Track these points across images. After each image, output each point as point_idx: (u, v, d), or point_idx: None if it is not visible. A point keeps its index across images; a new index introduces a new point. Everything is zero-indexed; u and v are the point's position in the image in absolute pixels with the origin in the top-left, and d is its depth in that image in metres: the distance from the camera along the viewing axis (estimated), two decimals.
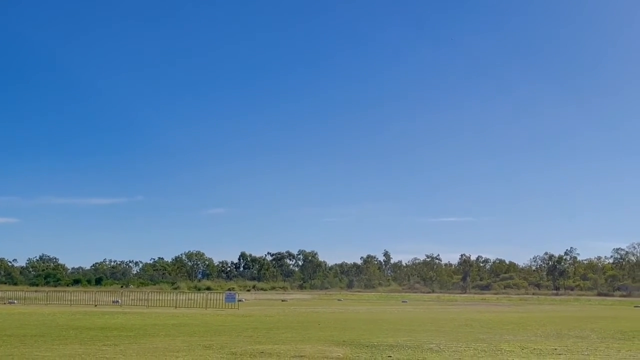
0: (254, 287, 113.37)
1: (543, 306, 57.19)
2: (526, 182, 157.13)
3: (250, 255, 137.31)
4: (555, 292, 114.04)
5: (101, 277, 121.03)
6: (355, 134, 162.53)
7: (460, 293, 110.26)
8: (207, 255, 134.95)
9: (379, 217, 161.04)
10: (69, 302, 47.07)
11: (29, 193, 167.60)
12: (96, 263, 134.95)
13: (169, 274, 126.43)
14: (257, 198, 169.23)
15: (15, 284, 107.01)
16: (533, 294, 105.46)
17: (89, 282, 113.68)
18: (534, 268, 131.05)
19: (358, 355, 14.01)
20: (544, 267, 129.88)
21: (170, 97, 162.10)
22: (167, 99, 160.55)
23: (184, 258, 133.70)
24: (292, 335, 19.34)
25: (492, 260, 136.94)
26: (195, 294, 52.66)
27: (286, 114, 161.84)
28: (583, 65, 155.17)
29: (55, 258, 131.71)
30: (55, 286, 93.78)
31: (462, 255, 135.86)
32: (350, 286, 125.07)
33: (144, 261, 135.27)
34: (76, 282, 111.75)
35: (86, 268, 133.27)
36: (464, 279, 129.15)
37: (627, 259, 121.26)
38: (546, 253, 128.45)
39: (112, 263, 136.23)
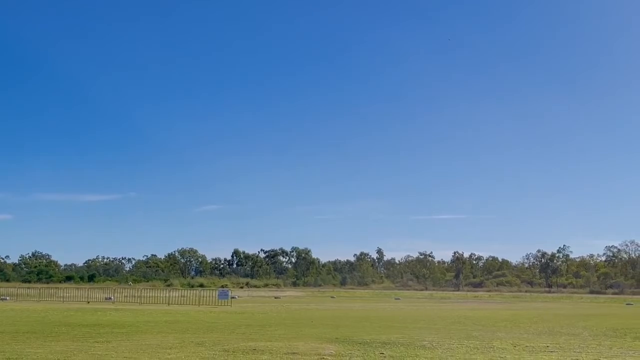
0: (247, 284, 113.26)
1: (535, 304, 57.43)
2: (519, 180, 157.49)
3: (244, 252, 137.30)
4: (547, 289, 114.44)
5: (94, 274, 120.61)
6: (349, 133, 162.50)
7: (453, 290, 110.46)
8: (200, 252, 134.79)
9: (372, 214, 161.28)
10: (62, 299, 47.00)
11: (22, 189, 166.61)
12: (89, 260, 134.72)
13: (162, 270, 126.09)
14: (250, 195, 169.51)
15: (8, 280, 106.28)
16: (526, 291, 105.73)
17: (81, 278, 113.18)
18: (526, 266, 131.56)
19: (351, 352, 14.01)
20: (537, 264, 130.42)
21: (164, 95, 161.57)
22: (160, 96, 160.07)
23: (177, 255, 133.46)
24: (285, 332, 19.34)
25: (485, 258, 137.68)
26: (188, 291, 52.61)
27: (280, 112, 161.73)
28: (583, 65, 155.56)
29: (47, 255, 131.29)
30: (48, 283, 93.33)
31: (455, 253, 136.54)
32: (343, 283, 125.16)
33: (136, 258, 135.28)
34: (69, 278, 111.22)
35: (79, 265, 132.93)
36: (456, 276, 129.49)
37: (619, 257, 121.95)
38: (539, 251, 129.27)
39: (105, 260, 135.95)
